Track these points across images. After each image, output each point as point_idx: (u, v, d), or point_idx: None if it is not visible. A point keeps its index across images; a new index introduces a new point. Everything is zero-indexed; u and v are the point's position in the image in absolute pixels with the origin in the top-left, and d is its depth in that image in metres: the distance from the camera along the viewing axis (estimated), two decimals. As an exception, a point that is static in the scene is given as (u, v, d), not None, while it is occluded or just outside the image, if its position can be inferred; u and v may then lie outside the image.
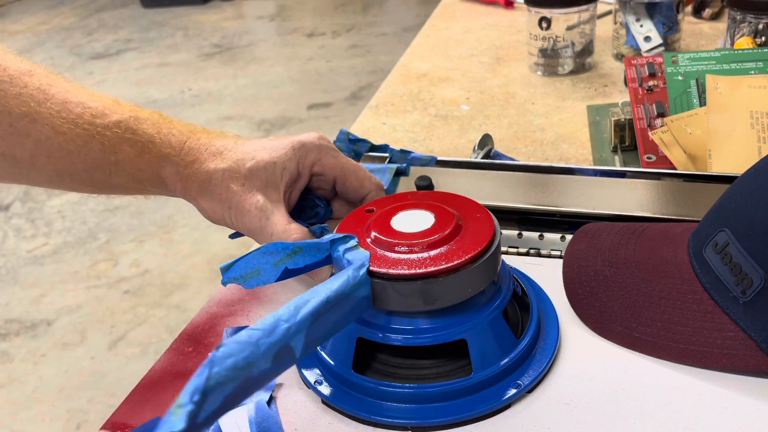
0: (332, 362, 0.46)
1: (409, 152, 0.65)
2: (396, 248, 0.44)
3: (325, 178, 0.54)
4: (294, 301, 0.40)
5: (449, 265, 0.42)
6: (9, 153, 0.50)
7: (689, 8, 1.18)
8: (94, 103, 0.51)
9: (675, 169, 0.69)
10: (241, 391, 0.37)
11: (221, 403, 0.35)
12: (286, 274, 0.46)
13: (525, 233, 0.61)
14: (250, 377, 0.37)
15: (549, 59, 1.03)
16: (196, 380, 0.34)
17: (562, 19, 1.00)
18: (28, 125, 0.49)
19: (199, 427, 0.34)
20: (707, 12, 1.17)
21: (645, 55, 0.99)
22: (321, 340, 0.42)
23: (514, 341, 0.46)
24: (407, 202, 0.48)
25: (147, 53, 3.75)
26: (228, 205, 0.51)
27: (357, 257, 0.44)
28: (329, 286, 0.41)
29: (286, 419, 0.45)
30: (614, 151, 0.80)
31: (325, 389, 0.46)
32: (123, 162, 0.51)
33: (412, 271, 0.42)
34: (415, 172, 0.65)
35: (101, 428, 0.46)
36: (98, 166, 0.51)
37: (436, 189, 0.64)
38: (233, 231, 0.55)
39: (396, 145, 0.66)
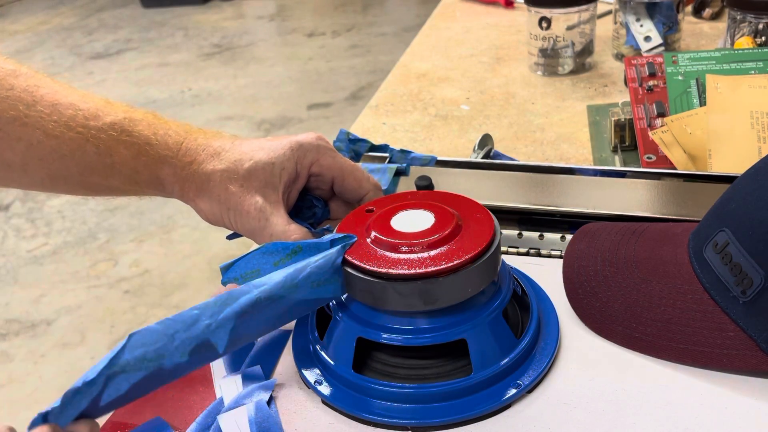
0: (332, 362, 0.46)
1: (409, 152, 0.65)
2: (396, 248, 0.44)
3: (323, 179, 0.54)
4: (223, 296, 0.40)
5: (449, 265, 0.42)
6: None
7: (689, 8, 1.18)
8: (85, 105, 0.50)
9: (675, 169, 0.69)
10: (153, 381, 0.38)
11: (127, 390, 0.37)
12: None
13: (525, 233, 0.61)
14: (162, 368, 0.37)
15: (549, 59, 1.03)
16: (99, 365, 0.36)
17: (562, 19, 1.00)
18: (18, 129, 0.49)
19: (102, 411, 0.36)
20: (707, 12, 1.17)
21: (645, 55, 0.99)
22: (256, 335, 0.42)
23: (514, 341, 0.46)
24: (407, 202, 0.48)
25: (147, 53, 3.75)
26: (227, 207, 0.51)
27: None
28: (264, 286, 0.41)
29: (286, 419, 0.45)
30: (614, 151, 0.80)
31: (325, 389, 0.46)
32: (119, 164, 0.51)
33: (412, 271, 0.42)
34: (415, 172, 0.65)
35: (101, 428, 0.46)
36: (93, 169, 0.51)
37: (436, 189, 0.64)
38: (231, 232, 0.55)
39: (396, 145, 0.66)
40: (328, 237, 0.46)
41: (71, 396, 0.35)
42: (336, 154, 0.54)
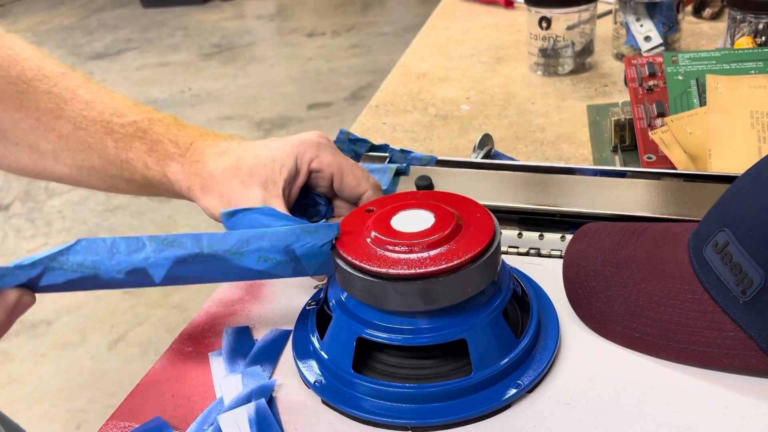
0: (332, 362, 0.46)
1: (409, 152, 0.65)
2: (396, 248, 0.44)
3: (323, 175, 0.55)
4: (173, 236, 0.44)
5: (449, 265, 0.42)
6: (35, 145, 0.55)
7: (689, 8, 1.18)
8: (114, 104, 0.56)
9: (675, 169, 0.69)
10: (89, 283, 0.44)
11: (64, 282, 0.43)
12: None
13: (525, 233, 0.61)
14: (98, 276, 0.43)
15: (549, 59, 1.03)
16: (41, 254, 0.42)
17: (562, 18, 1.00)
18: (52, 120, 0.55)
19: (40, 290, 0.43)
20: (707, 12, 1.17)
21: (645, 54, 0.99)
22: (195, 282, 0.45)
23: (514, 341, 0.46)
24: (407, 202, 0.48)
25: (147, 53, 3.75)
26: (228, 202, 0.52)
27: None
28: (211, 242, 0.44)
29: (286, 419, 0.45)
30: (614, 151, 0.80)
31: (325, 389, 0.46)
32: (134, 159, 0.55)
33: (412, 271, 0.42)
34: (415, 172, 0.65)
35: (100, 429, 0.46)
36: (113, 161, 0.55)
37: (436, 189, 0.64)
38: None
39: (396, 145, 0.66)
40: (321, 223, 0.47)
41: (11, 270, 0.42)
42: (337, 152, 0.55)
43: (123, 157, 0.55)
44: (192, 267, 0.44)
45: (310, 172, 0.54)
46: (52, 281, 0.43)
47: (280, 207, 0.52)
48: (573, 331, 0.49)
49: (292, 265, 0.46)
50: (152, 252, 0.44)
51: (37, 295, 0.44)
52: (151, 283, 0.44)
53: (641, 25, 1.01)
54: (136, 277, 0.44)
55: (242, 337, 0.52)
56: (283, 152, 0.53)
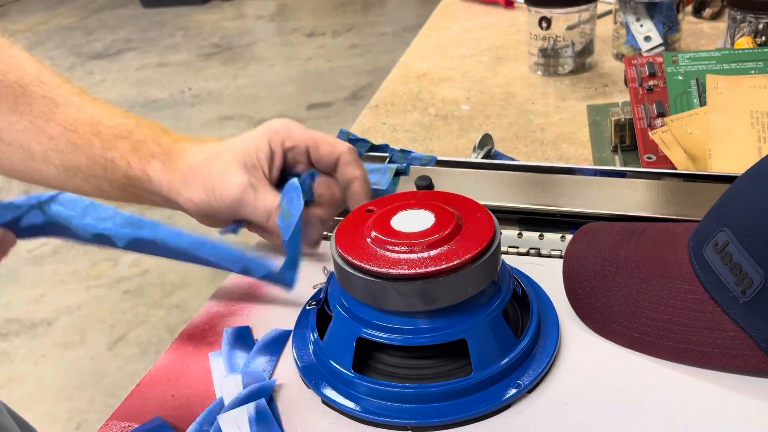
0: (332, 362, 0.46)
1: (409, 152, 0.65)
2: (396, 248, 0.44)
3: (299, 150, 0.57)
4: (132, 218, 0.49)
5: (449, 265, 0.42)
6: (26, 145, 0.58)
7: (689, 8, 1.18)
8: (104, 112, 0.59)
9: (675, 169, 0.69)
10: (63, 232, 0.48)
11: (42, 223, 0.47)
12: None
13: (525, 233, 0.61)
14: (70, 229, 0.48)
15: (549, 59, 1.03)
16: (31, 198, 0.46)
17: (562, 18, 1.00)
18: (43, 123, 0.57)
19: (22, 232, 0.46)
20: (707, 12, 1.17)
21: (645, 54, 0.99)
22: (155, 255, 0.51)
23: (514, 341, 0.46)
24: (407, 202, 0.48)
25: (147, 53, 3.75)
26: (212, 188, 0.54)
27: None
28: (166, 236, 0.50)
29: (286, 419, 0.45)
30: (614, 151, 0.80)
31: (325, 389, 0.46)
32: (117, 158, 0.56)
33: (412, 271, 0.42)
34: (415, 172, 0.65)
35: (99, 429, 0.46)
36: (97, 161, 0.57)
37: (436, 189, 0.64)
38: (223, 228, 0.58)
39: (396, 145, 0.66)
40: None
41: None
42: (306, 128, 0.58)
43: (108, 156, 0.56)
44: (149, 247, 0.50)
45: (285, 153, 0.56)
46: (32, 221, 0.47)
47: (267, 191, 0.54)
48: (573, 331, 0.49)
49: (240, 266, 0.53)
50: (114, 225, 0.48)
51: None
52: (114, 246, 0.49)
53: (641, 25, 1.01)
54: (101, 240, 0.49)
55: (242, 337, 0.52)
56: (257, 137, 0.56)
